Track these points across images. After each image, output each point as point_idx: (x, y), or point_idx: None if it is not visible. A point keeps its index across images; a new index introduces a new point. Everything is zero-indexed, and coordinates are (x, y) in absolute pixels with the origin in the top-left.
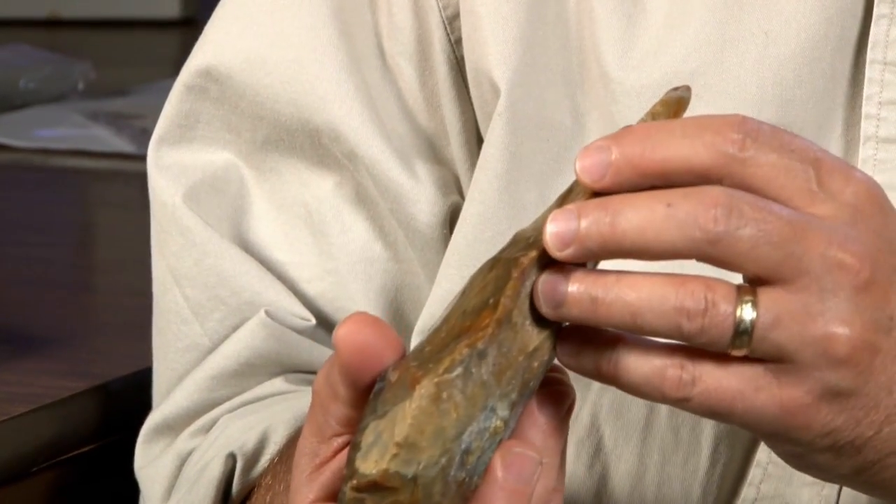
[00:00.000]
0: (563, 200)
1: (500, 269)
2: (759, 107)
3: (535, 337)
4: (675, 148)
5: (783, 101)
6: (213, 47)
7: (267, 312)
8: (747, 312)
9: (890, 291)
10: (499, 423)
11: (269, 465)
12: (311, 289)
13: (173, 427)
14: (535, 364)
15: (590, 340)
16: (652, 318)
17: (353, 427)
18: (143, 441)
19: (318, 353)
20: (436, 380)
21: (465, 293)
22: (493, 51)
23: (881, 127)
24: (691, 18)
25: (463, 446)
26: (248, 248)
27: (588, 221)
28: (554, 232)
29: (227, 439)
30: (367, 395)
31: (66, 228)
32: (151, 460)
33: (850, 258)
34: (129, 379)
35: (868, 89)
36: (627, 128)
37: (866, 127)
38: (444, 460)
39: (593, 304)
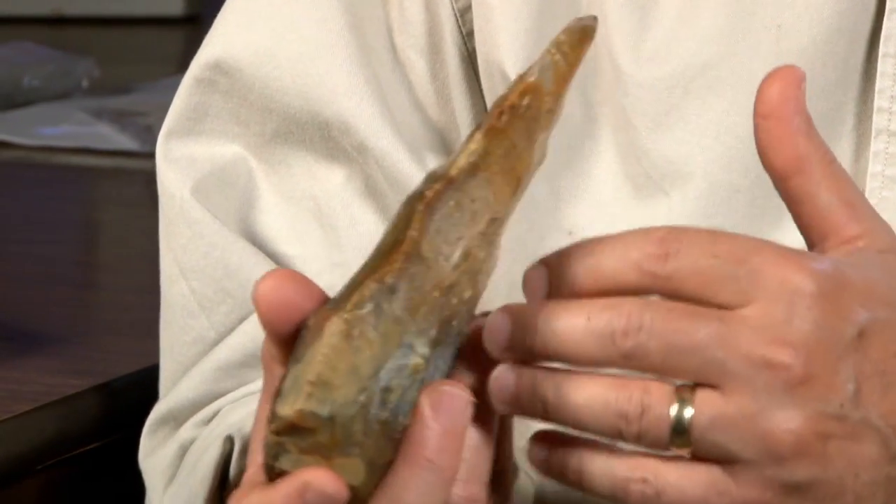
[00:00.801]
0: (469, 138)
1: (408, 206)
2: None
3: (451, 273)
4: (604, 268)
5: None
6: (222, 40)
7: None
8: (684, 413)
9: (835, 381)
10: (418, 360)
11: None
12: (320, 282)
13: (177, 418)
14: (455, 301)
15: (556, 447)
16: (594, 421)
17: None
18: (147, 432)
19: None
20: (345, 316)
21: (382, 236)
22: (504, 42)
23: (893, 120)
24: (703, 11)
25: (381, 384)
26: (255, 241)
27: (517, 330)
28: (486, 337)
29: (228, 426)
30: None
31: (70, 226)
32: (155, 450)
33: (781, 356)
34: (132, 377)
35: (880, 83)
36: (565, 248)
37: (878, 120)
38: (362, 398)
39: (542, 404)
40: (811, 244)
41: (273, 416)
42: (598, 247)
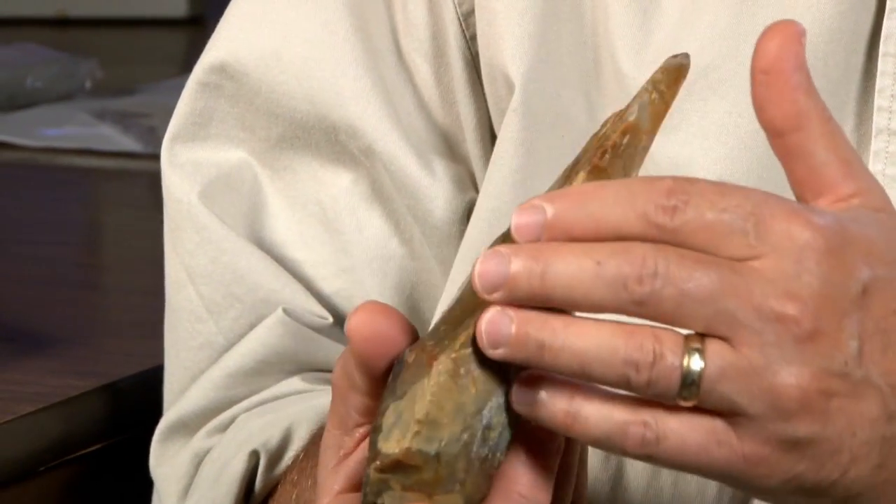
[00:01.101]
0: (569, 175)
1: (509, 244)
2: None
3: None
4: (608, 216)
5: None
6: (227, 44)
7: (284, 310)
8: (695, 364)
9: (841, 337)
10: None
11: (294, 462)
12: (328, 287)
13: (189, 426)
14: None
15: (545, 389)
16: (600, 368)
17: (374, 416)
18: (158, 440)
19: (335, 352)
20: (453, 355)
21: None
22: (507, 46)
23: (893, 119)
24: (705, 13)
25: (484, 422)
26: (263, 246)
27: (518, 269)
28: (481, 273)
29: (248, 437)
30: (384, 382)
31: (73, 227)
32: (167, 459)
33: (791, 309)
34: (136, 378)
35: (880, 82)
36: (563, 190)
37: (878, 119)
38: (465, 436)
39: (539, 349)
40: (805, 201)
41: (377, 453)
42: (601, 192)
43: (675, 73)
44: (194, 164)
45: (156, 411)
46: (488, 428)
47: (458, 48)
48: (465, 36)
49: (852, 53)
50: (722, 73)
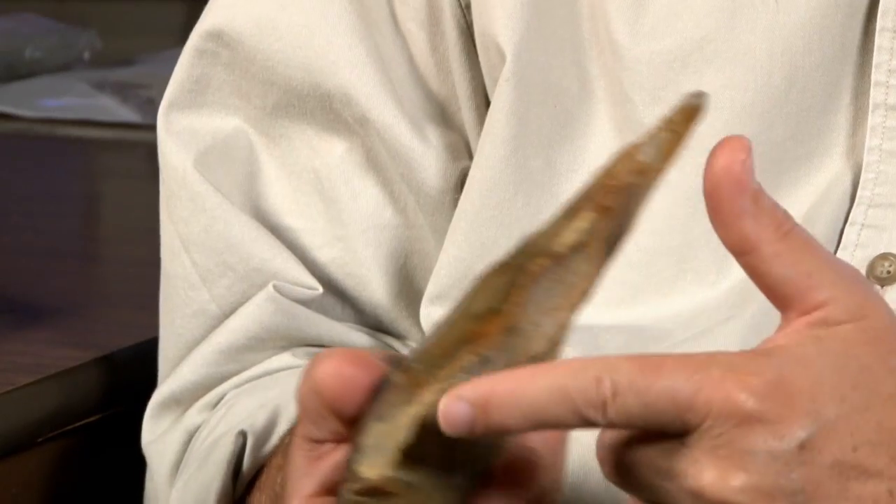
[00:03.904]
0: (575, 209)
1: (508, 275)
2: (768, 74)
3: (541, 342)
4: (540, 413)
5: (792, 69)
6: (223, 11)
7: (275, 286)
8: None
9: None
10: None
11: (279, 445)
12: (322, 255)
13: (180, 401)
14: None
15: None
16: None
17: (344, 438)
18: (150, 416)
19: (326, 327)
20: (439, 386)
21: (470, 295)
22: (500, 16)
23: (890, 94)
24: None
25: (464, 453)
26: (260, 214)
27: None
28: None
29: (236, 416)
30: (355, 422)
31: (72, 199)
32: (159, 435)
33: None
34: (134, 349)
35: (877, 57)
36: (492, 381)
37: (875, 94)
38: (445, 466)
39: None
40: (779, 311)
41: (354, 476)
42: (532, 388)
43: (690, 112)
44: (190, 131)
45: (154, 383)
46: (468, 459)
47: (452, 17)
48: (460, 4)
49: (849, 28)
50: (717, 46)
